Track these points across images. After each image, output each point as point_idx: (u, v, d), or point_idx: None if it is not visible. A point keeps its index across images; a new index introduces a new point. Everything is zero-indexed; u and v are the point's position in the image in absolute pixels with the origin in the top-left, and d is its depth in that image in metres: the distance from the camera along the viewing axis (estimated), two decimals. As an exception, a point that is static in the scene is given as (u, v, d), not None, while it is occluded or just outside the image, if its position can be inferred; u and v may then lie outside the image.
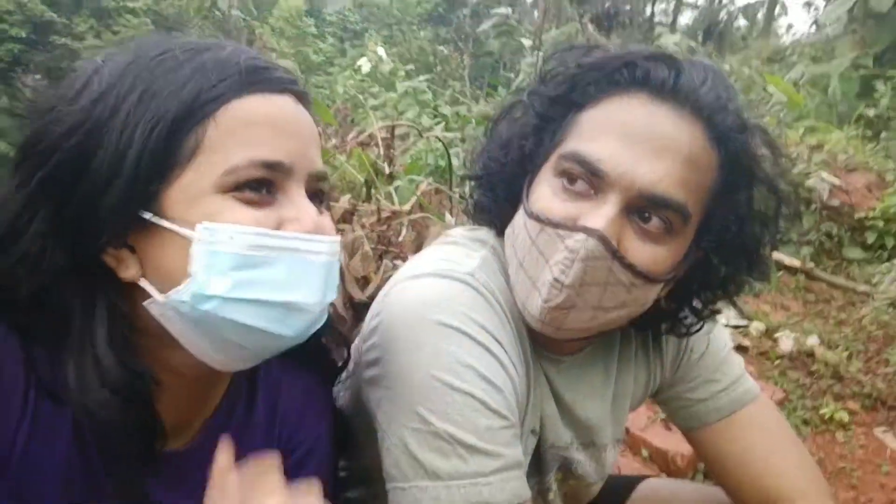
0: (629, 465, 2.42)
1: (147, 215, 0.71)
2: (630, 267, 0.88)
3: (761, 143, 0.93)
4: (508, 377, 0.94)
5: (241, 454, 0.93)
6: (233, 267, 0.71)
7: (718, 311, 1.07)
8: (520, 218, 0.96)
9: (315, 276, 0.76)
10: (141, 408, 0.76)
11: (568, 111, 0.96)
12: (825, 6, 8.33)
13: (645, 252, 0.89)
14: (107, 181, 0.70)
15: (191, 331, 0.75)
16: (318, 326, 0.80)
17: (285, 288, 0.73)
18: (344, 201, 3.80)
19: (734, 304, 1.05)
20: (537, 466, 1.16)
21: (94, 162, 0.70)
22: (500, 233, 1.07)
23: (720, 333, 1.22)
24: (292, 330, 0.76)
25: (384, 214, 3.66)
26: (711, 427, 1.18)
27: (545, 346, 1.06)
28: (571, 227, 0.87)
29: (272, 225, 0.73)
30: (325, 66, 16.66)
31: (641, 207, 0.87)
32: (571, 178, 0.90)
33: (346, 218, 3.65)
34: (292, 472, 0.96)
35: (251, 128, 0.73)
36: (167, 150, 0.70)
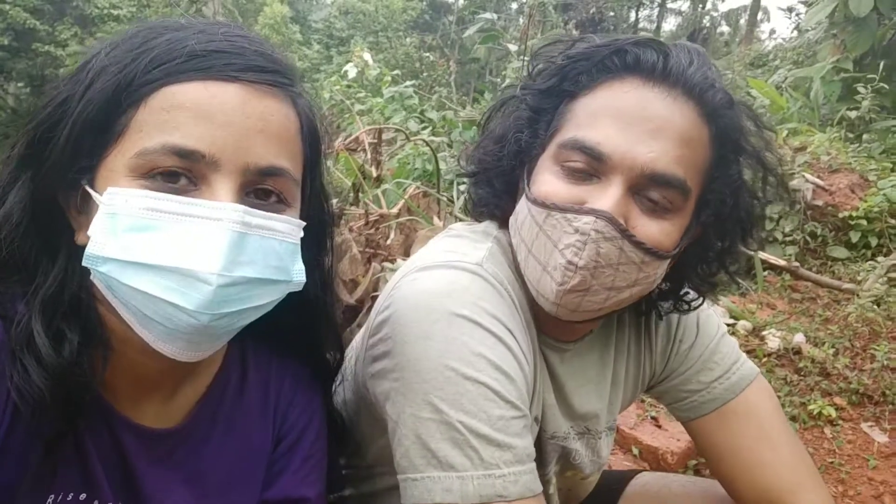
0: (620, 463, 2.42)
1: (83, 182, 0.74)
2: (639, 244, 0.91)
3: (746, 118, 0.98)
4: (520, 367, 0.94)
5: (235, 437, 0.93)
6: (127, 229, 0.71)
7: (717, 285, 1.09)
8: (523, 206, 0.98)
9: (214, 243, 0.70)
10: (68, 372, 0.74)
11: (560, 102, 0.98)
12: (806, 11, 8.42)
13: (652, 228, 0.92)
14: (59, 148, 0.74)
15: (112, 299, 0.75)
16: (235, 308, 0.74)
17: (179, 253, 0.70)
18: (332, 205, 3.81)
19: (731, 276, 1.08)
20: (539, 458, 1.16)
21: (57, 129, 0.74)
22: (503, 225, 1.09)
23: (710, 319, 1.23)
24: (191, 302, 0.70)
25: (372, 218, 3.67)
26: (706, 418, 1.19)
27: (551, 333, 1.07)
28: (578, 210, 0.89)
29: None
30: (312, 72, 16.63)
31: (644, 186, 0.91)
32: (574, 165, 0.92)
33: (335, 221, 3.65)
34: (283, 458, 0.97)
35: (174, 112, 0.72)
36: (101, 128, 0.73)
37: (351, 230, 3.51)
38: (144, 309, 0.72)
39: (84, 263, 0.72)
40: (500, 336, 0.92)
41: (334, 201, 3.74)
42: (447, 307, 0.91)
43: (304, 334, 0.97)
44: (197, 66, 0.73)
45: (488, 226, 1.11)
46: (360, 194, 4.03)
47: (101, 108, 0.72)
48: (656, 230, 0.92)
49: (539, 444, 1.14)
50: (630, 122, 0.90)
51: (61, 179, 0.75)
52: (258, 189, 0.77)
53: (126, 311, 0.75)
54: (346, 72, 8.69)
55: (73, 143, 0.73)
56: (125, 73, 0.72)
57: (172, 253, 0.70)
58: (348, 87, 8.62)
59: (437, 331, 0.90)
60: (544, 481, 1.20)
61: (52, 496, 0.79)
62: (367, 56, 8.92)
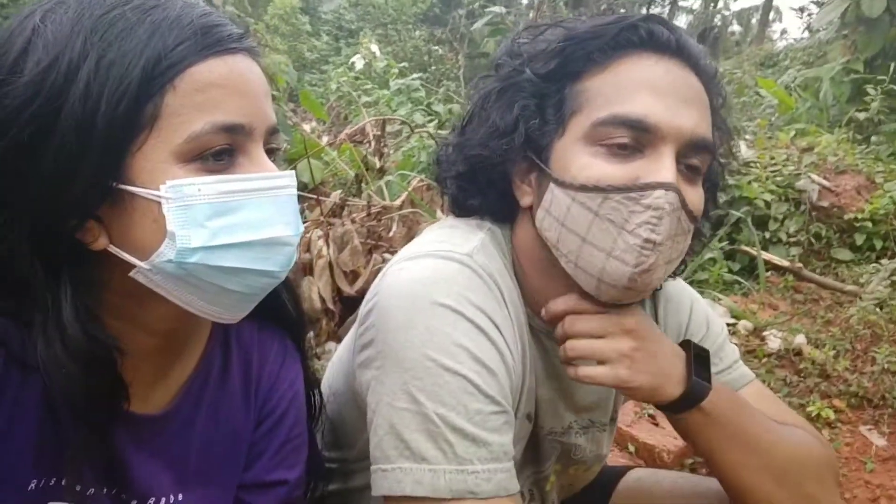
0: (615, 460, 2.42)
1: (114, 184, 0.71)
2: (690, 213, 0.91)
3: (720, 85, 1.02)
4: (503, 361, 0.93)
5: (218, 420, 0.93)
6: (208, 216, 0.72)
7: (696, 252, 1.11)
8: (560, 196, 0.93)
9: (285, 209, 0.79)
10: (104, 375, 0.76)
11: (563, 84, 0.96)
12: (818, 11, 8.36)
13: (695, 196, 0.93)
14: (74, 156, 0.69)
15: (179, 288, 0.76)
16: (295, 259, 0.83)
17: (264, 225, 0.76)
18: (335, 196, 3.80)
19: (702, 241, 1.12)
20: (534, 455, 1.15)
21: (54, 136, 0.68)
22: (494, 220, 1.07)
23: (716, 320, 1.23)
24: (277, 264, 0.79)
25: (375, 209, 3.66)
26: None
27: (552, 324, 1.05)
28: (644, 186, 0.88)
29: None
30: (320, 63, 16.62)
31: (687, 153, 0.91)
32: (618, 141, 0.90)
33: (336, 212, 3.65)
34: (263, 440, 0.97)
35: (209, 91, 0.73)
36: (131, 120, 0.70)
37: (353, 221, 3.50)
38: (226, 283, 0.76)
39: (174, 260, 0.72)
40: (483, 328, 0.91)
41: (338, 192, 3.72)
42: (431, 296, 0.90)
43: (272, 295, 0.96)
44: (208, 42, 0.74)
45: (482, 219, 1.09)
46: (364, 185, 4.03)
47: (131, 101, 0.69)
48: (697, 197, 0.94)
49: (535, 440, 1.13)
50: (665, 92, 0.90)
51: (89, 190, 0.71)
52: (268, 149, 0.81)
53: (192, 292, 0.77)
54: (353, 63, 8.68)
55: (102, 148, 0.69)
56: (146, 59, 0.70)
57: (259, 227, 0.75)
58: (356, 78, 8.62)
59: (419, 320, 0.89)
60: (541, 478, 1.19)
61: (35, 481, 0.79)
62: (374, 48, 8.91)
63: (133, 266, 0.74)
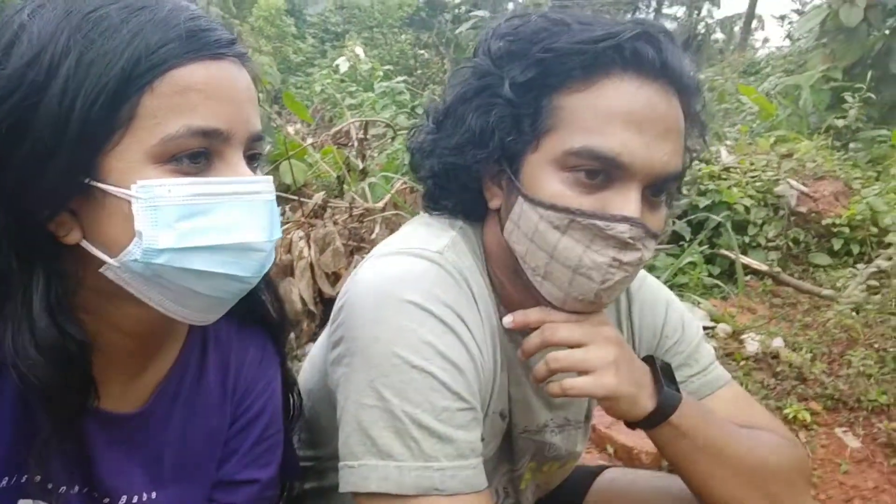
0: (594, 462, 2.43)
1: (86, 180, 0.71)
2: (654, 236, 0.93)
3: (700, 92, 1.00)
4: (471, 358, 0.93)
5: (194, 419, 0.93)
6: (177, 218, 0.72)
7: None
8: (529, 211, 0.93)
9: (259, 214, 0.78)
10: (72, 370, 0.76)
11: (541, 95, 0.93)
12: (798, 20, 8.47)
13: (657, 220, 0.95)
14: (48, 150, 0.69)
15: (148, 287, 0.75)
16: (269, 265, 0.82)
17: (234, 230, 0.75)
18: (318, 197, 3.80)
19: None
20: (509, 453, 1.16)
21: (31, 129, 0.69)
22: (466, 218, 1.07)
23: (693, 322, 1.24)
24: (248, 270, 0.77)
25: (357, 211, 3.66)
26: None
27: (519, 332, 1.05)
28: (611, 218, 0.89)
29: None
30: (306, 66, 16.57)
31: (655, 187, 0.92)
32: (587, 169, 0.90)
33: (318, 213, 3.64)
34: (236, 439, 0.96)
35: (187, 95, 0.72)
36: (106, 119, 0.70)
37: (336, 223, 3.50)
38: (195, 286, 0.75)
39: (140, 259, 0.72)
40: (451, 325, 0.91)
41: (321, 194, 3.70)
42: (399, 294, 0.91)
43: (249, 294, 0.96)
44: (193, 46, 0.73)
45: (455, 217, 1.09)
46: (346, 187, 4.02)
47: (106, 100, 0.70)
48: (661, 219, 0.96)
49: (509, 439, 1.13)
50: (642, 125, 0.88)
51: (60, 185, 0.71)
52: (250, 155, 0.81)
53: (161, 293, 0.76)
54: (337, 66, 8.66)
55: (75, 145, 0.70)
56: (125, 60, 0.70)
57: (229, 231, 0.74)
58: (342, 81, 8.59)
59: (387, 317, 0.89)
60: (515, 477, 1.20)
61: (7, 478, 0.79)
62: (358, 50, 8.90)
63: (104, 262, 0.74)
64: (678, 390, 1.00)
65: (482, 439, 1.04)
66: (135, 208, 0.71)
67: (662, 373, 1.00)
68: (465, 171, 1.01)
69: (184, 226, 0.72)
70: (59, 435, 0.78)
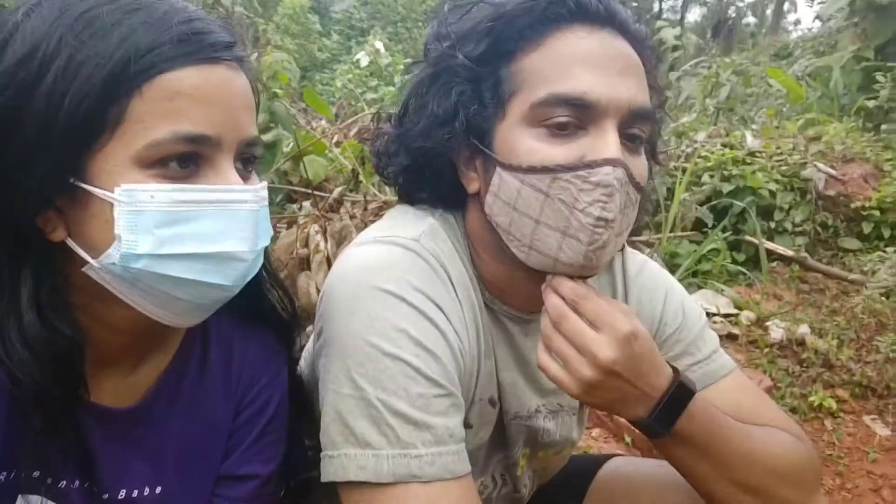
0: (613, 451, 2.40)
1: (71, 180, 0.71)
2: (637, 185, 0.90)
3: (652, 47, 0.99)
4: (448, 344, 0.92)
5: (197, 413, 0.94)
6: (157, 224, 0.71)
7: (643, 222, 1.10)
8: (509, 179, 0.91)
9: (243, 224, 0.76)
10: (62, 366, 0.76)
11: (498, 65, 0.93)
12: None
13: (639, 166, 0.92)
14: (34, 148, 0.70)
15: (129, 290, 0.75)
16: (254, 274, 0.80)
17: (214, 239, 0.74)
18: (337, 192, 3.81)
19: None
20: (502, 439, 1.15)
21: (20, 127, 0.69)
22: (448, 207, 1.06)
23: (694, 308, 1.20)
24: (229, 279, 0.76)
25: (375, 204, 3.66)
26: None
27: (514, 305, 1.05)
28: (591, 163, 0.86)
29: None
30: (331, 63, 16.67)
31: (628, 125, 0.90)
32: (559, 121, 0.88)
33: (334, 207, 3.65)
34: (239, 433, 0.96)
35: (177, 100, 0.71)
36: (92, 120, 0.70)
37: (352, 217, 3.51)
38: (175, 292, 0.75)
39: (118, 263, 0.71)
40: (425, 312, 0.90)
41: (340, 188, 3.69)
42: (372, 282, 0.90)
43: (254, 295, 0.95)
44: (186, 50, 0.72)
45: (434, 206, 1.07)
46: (363, 180, 4.03)
47: (93, 102, 0.69)
48: (641, 167, 0.93)
49: (501, 425, 1.12)
50: (601, 65, 0.88)
51: (46, 183, 0.72)
52: (243, 159, 0.80)
53: (141, 296, 0.76)
54: (358, 60, 8.70)
55: (60, 145, 0.70)
56: (114, 62, 0.69)
57: (210, 240, 0.73)
58: (369, 74, 8.61)
59: (360, 306, 0.89)
60: (510, 464, 1.18)
61: (6, 473, 0.80)
62: (378, 44, 8.92)
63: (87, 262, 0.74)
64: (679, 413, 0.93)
65: (470, 426, 1.04)
66: (116, 212, 0.70)
67: (679, 388, 0.93)
68: (435, 155, 0.99)
69: (164, 232, 0.71)
70: (50, 430, 0.78)
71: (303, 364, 1.17)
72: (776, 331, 3.22)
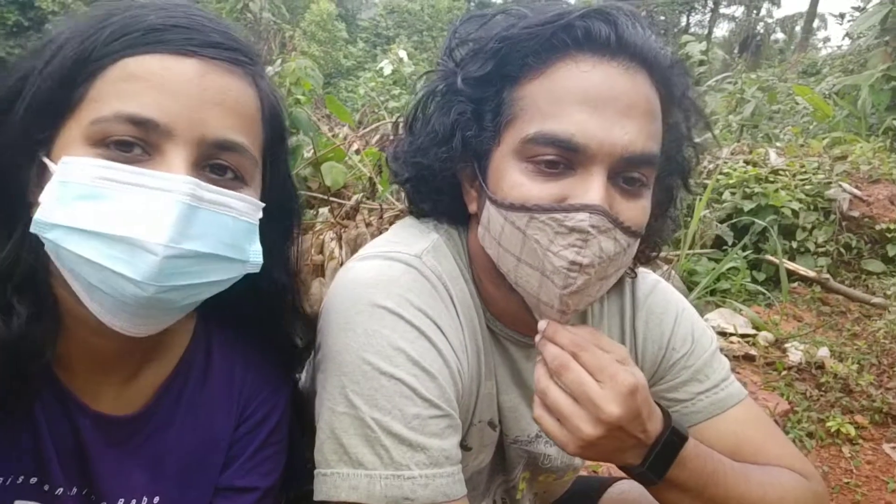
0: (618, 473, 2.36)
1: (40, 154, 0.74)
2: (628, 230, 0.86)
3: (683, 71, 0.94)
4: (446, 364, 0.90)
5: (198, 422, 0.92)
6: (77, 197, 0.70)
7: (662, 239, 1.07)
8: (495, 214, 0.90)
9: (162, 214, 0.70)
10: (20, 345, 0.74)
11: (501, 87, 0.90)
12: (857, 17, 8.15)
13: (634, 210, 0.87)
14: (18, 122, 0.74)
15: (64, 271, 0.74)
16: (176, 278, 0.73)
17: (126, 221, 0.70)
18: (354, 199, 3.83)
19: (674, 223, 1.08)
20: (503, 463, 1.12)
21: (15, 104, 0.75)
22: (451, 221, 1.04)
23: (706, 333, 1.17)
24: (138, 272, 0.70)
25: (392, 212, 3.66)
26: (691, 430, 1.12)
27: (516, 328, 1.02)
28: (568, 208, 0.83)
29: None
30: (356, 70, 16.78)
31: (623, 169, 0.85)
32: (546, 159, 0.85)
33: (350, 215, 3.66)
34: (238, 445, 0.95)
35: (132, 82, 0.72)
36: (58, 100, 0.73)
37: (368, 225, 3.51)
38: (90, 278, 0.72)
39: (32, 229, 0.71)
40: (423, 331, 0.88)
41: (358, 196, 3.69)
42: (371, 298, 0.88)
43: (270, 322, 0.95)
44: (155, 39, 0.74)
45: (439, 220, 1.06)
46: (379, 188, 4.04)
47: (60, 80, 0.73)
48: (639, 211, 0.88)
49: (501, 448, 1.10)
50: (599, 104, 0.84)
51: (19, 153, 0.75)
52: (214, 164, 0.76)
53: (74, 281, 0.74)
54: (381, 68, 8.75)
55: (31, 115, 0.74)
56: (84, 45, 0.73)
57: (119, 221, 0.69)
58: (391, 83, 8.64)
59: (358, 322, 0.87)
60: (510, 487, 1.16)
61: (2, 479, 0.79)
62: (402, 53, 8.95)
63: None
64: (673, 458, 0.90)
65: (469, 449, 1.02)
66: (50, 182, 0.72)
67: (673, 434, 0.90)
68: (432, 172, 0.97)
69: (80, 205, 0.70)
70: (8, 419, 0.77)
71: (304, 376, 1.16)
72: (795, 353, 3.16)
